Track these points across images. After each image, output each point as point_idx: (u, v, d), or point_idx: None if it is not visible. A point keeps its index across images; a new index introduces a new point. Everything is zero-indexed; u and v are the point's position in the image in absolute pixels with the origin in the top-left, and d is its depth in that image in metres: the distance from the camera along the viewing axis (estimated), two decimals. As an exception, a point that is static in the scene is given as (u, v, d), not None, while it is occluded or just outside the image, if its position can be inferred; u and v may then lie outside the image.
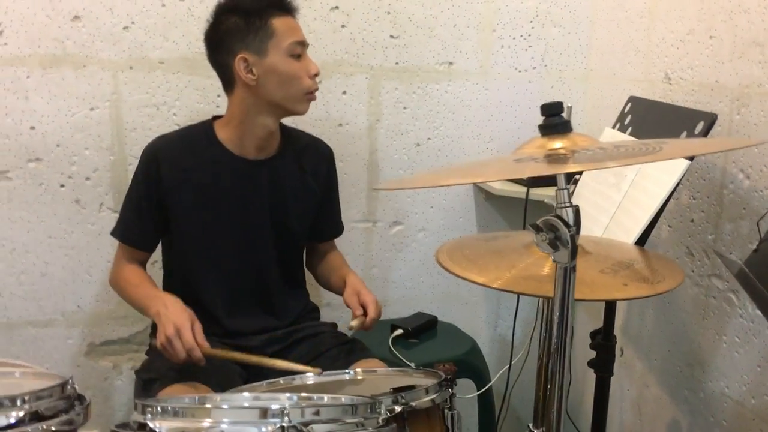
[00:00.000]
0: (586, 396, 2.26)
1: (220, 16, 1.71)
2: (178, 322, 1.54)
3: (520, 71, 2.31)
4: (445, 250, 1.33)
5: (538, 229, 0.98)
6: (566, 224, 0.96)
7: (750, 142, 1.16)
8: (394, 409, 1.23)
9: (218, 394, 1.17)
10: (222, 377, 1.63)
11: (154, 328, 1.87)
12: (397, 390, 1.29)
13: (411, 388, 1.30)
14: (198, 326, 1.57)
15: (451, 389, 1.38)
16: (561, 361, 1.08)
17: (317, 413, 0.97)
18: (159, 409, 0.97)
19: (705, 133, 1.46)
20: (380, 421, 1.05)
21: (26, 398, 0.92)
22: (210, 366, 1.60)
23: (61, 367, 2.12)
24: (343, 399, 1.09)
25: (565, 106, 1.13)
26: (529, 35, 2.29)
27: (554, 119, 1.01)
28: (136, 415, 1.00)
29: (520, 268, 1.21)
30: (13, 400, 0.91)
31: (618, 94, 2.16)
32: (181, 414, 0.95)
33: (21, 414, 0.90)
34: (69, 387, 1.03)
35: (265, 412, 0.93)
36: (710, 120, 1.46)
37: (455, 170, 1.03)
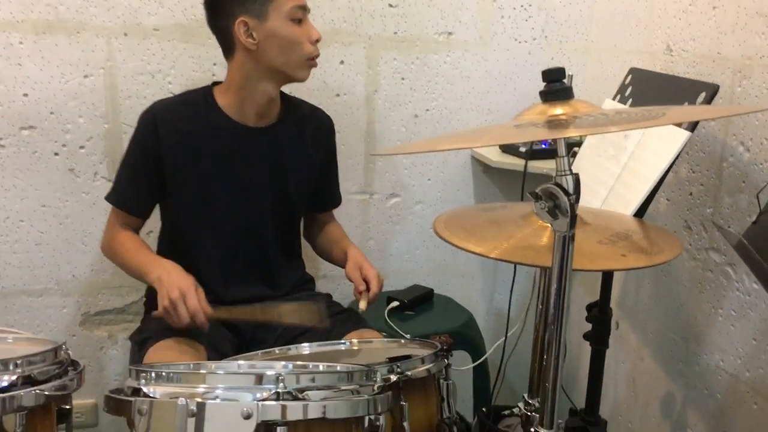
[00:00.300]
0: (581, 369, 2.27)
1: None
2: (183, 287, 1.53)
3: (520, 42, 2.28)
4: (442, 220, 1.32)
5: (537, 197, 0.97)
6: (566, 192, 0.95)
7: (755, 107, 1.14)
8: (389, 378, 1.23)
9: (213, 361, 1.17)
10: (215, 339, 1.64)
11: (149, 297, 1.87)
12: (393, 359, 1.29)
13: (407, 357, 1.29)
14: (201, 291, 1.57)
15: (447, 360, 1.39)
16: (558, 331, 1.07)
17: (312, 380, 0.96)
18: (153, 374, 0.96)
19: (707, 104, 1.44)
20: (375, 388, 1.05)
21: (18, 362, 0.91)
22: (201, 330, 1.59)
23: (55, 336, 2.10)
24: (338, 366, 1.08)
25: (566, 73, 1.11)
26: (530, 5, 2.26)
27: (555, 85, 1.00)
28: (130, 381, 0.99)
29: (518, 238, 1.20)
30: (5, 363, 0.90)
31: (619, 65, 2.13)
32: (175, 379, 0.95)
33: (14, 378, 0.89)
34: (62, 352, 1.02)
35: (260, 378, 0.93)
36: (712, 90, 1.45)
37: (453, 136, 1.01)
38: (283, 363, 1.07)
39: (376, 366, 1.24)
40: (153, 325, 1.68)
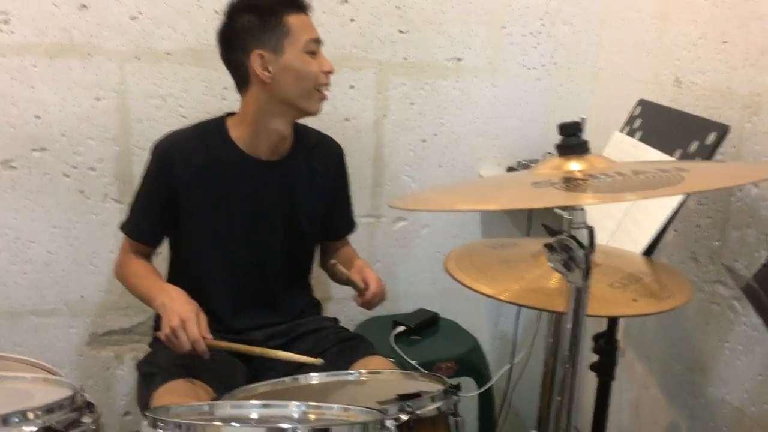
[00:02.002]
0: (585, 395, 2.28)
1: (233, 14, 1.69)
2: (184, 314, 1.54)
3: (528, 68, 2.30)
4: (453, 257, 1.33)
5: (551, 249, 0.98)
6: (581, 245, 0.96)
7: None
8: (399, 418, 1.23)
9: (227, 402, 1.17)
10: (225, 375, 1.64)
11: (157, 320, 1.88)
12: (403, 397, 1.29)
13: (417, 395, 1.30)
14: (203, 318, 1.57)
15: (456, 395, 1.39)
16: (572, 376, 1.08)
17: (327, 432, 0.96)
18: (171, 425, 0.97)
19: (716, 144, 1.45)
20: (388, 438, 1.05)
21: (38, 413, 0.92)
22: (213, 363, 1.60)
23: (63, 356, 2.13)
24: (352, 412, 1.09)
25: (579, 118, 1.13)
26: (539, 32, 2.27)
27: (572, 139, 1.01)
28: (145, 428, 1.00)
29: (529, 280, 1.21)
30: (24, 414, 0.91)
31: (627, 94, 2.14)
32: (191, 431, 0.95)
33: (34, 429, 0.90)
34: (79, 396, 1.03)
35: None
36: (722, 131, 1.45)
37: (470, 193, 1.02)
38: (296, 406, 1.08)
39: (387, 405, 1.25)
40: (161, 358, 1.69)
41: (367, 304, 1.74)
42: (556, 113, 2.34)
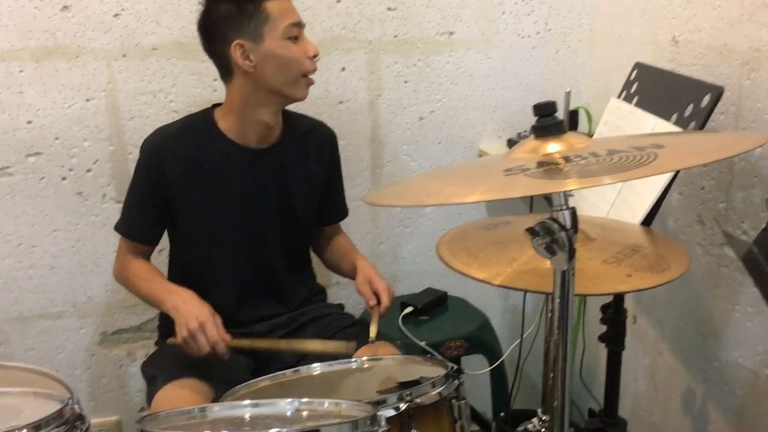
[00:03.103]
0: (600, 363, 2.26)
1: (211, 3, 1.66)
2: (201, 317, 1.54)
3: (523, 37, 2.24)
4: (445, 242, 1.31)
5: (534, 233, 0.95)
6: (563, 227, 0.93)
7: (755, 140, 1.09)
8: (399, 407, 1.22)
9: (217, 404, 1.17)
10: (227, 372, 1.63)
11: (161, 320, 1.88)
12: (403, 385, 1.28)
13: (417, 383, 1.29)
14: (218, 319, 1.57)
15: (458, 380, 1.38)
16: (563, 358, 1.06)
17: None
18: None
19: (711, 107, 1.41)
20: (380, 432, 1.04)
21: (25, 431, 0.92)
22: (214, 361, 1.59)
23: (75, 357, 2.15)
24: (343, 406, 1.08)
25: (563, 93, 1.09)
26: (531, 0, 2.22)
27: (547, 120, 0.97)
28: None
29: (522, 262, 1.19)
30: (10, 434, 0.91)
31: (625, 57, 2.09)
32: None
33: (18, 449, 0.90)
34: (68, 408, 1.02)
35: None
36: (717, 93, 1.41)
37: (440, 189, 0.99)
38: (288, 407, 1.07)
39: (386, 394, 1.24)
40: (162, 359, 1.69)
41: (380, 317, 1.72)
42: (554, 81, 2.29)
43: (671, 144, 0.94)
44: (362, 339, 1.71)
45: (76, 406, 1.04)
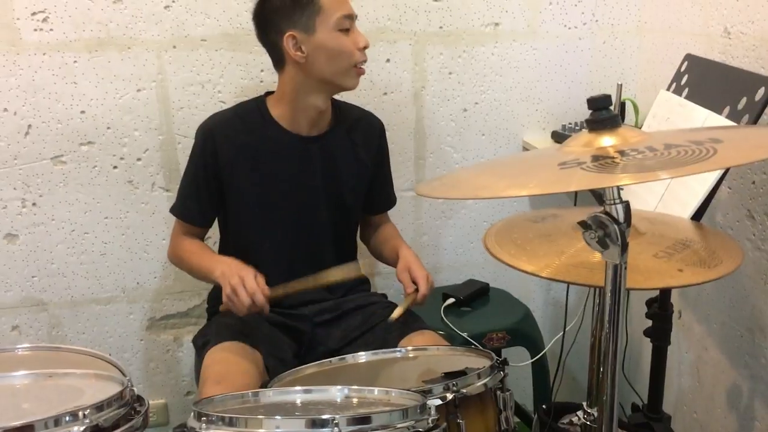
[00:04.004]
0: (643, 358, 2.24)
1: None
2: (242, 273, 1.59)
3: (569, 28, 2.23)
4: (492, 233, 1.31)
5: (586, 227, 0.96)
6: (616, 221, 0.93)
7: None
8: (445, 397, 1.23)
9: (270, 389, 1.20)
10: (273, 344, 1.71)
11: (210, 301, 1.93)
12: (449, 375, 1.29)
13: (462, 373, 1.30)
14: (261, 276, 1.61)
15: (503, 371, 1.38)
16: (614, 353, 1.06)
17: (368, 420, 0.97)
18: (213, 418, 1.00)
19: (766, 100, 1.38)
20: (430, 422, 1.05)
21: (86, 412, 0.95)
22: (260, 332, 1.68)
23: (124, 342, 2.20)
24: (393, 394, 1.09)
25: (616, 85, 1.08)
26: (579, -10, 2.20)
27: (602, 113, 0.97)
28: (192, 421, 1.03)
29: (570, 254, 1.19)
30: (75, 415, 0.94)
31: (674, 48, 2.06)
32: (234, 424, 0.98)
33: (82, 429, 0.93)
34: (128, 391, 1.06)
35: (315, 422, 0.95)
36: (772, 86, 1.38)
37: (494, 183, 1.00)
38: (338, 393, 1.09)
39: (432, 384, 1.25)
40: (214, 328, 1.75)
41: (418, 305, 1.74)
42: (601, 73, 2.27)
43: (729, 138, 0.93)
44: (404, 327, 1.74)
45: (135, 388, 1.08)
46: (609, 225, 0.94)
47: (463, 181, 1.05)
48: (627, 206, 0.95)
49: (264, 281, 1.61)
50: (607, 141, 0.97)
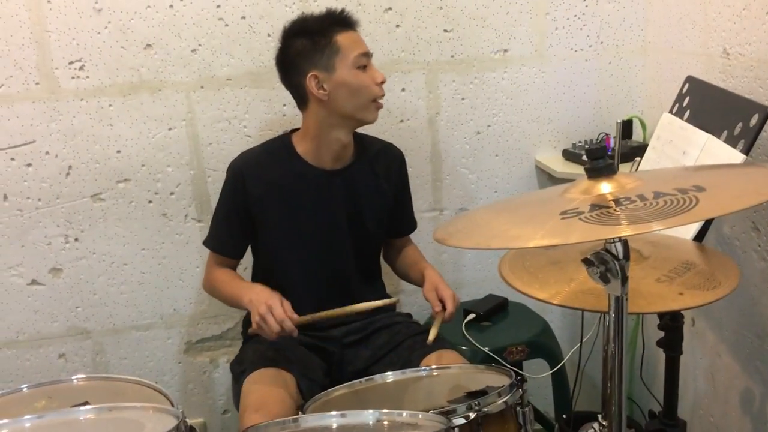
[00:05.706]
0: (661, 364, 2.32)
1: (287, 40, 1.83)
2: (269, 301, 1.70)
3: (576, 51, 2.32)
4: (507, 261, 1.41)
5: (589, 263, 1.06)
6: (616, 258, 1.03)
7: None
8: (468, 416, 1.34)
9: (308, 415, 1.31)
10: (304, 366, 1.83)
11: (245, 325, 2.05)
12: (471, 395, 1.39)
13: (484, 393, 1.40)
14: (287, 303, 1.72)
15: (522, 388, 1.48)
16: (619, 371, 1.15)
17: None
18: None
19: (759, 127, 1.47)
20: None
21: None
22: (293, 356, 1.80)
23: (163, 365, 2.33)
24: (420, 417, 1.20)
25: (615, 123, 1.17)
26: (583, 14, 2.29)
27: (599, 162, 1.07)
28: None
29: (579, 281, 1.28)
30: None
31: (677, 67, 2.15)
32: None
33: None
34: (182, 425, 1.17)
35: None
36: (764, 114, 1.47)
37: (505, 231, 1.10)
38: (371, 417, 1.19)
39: (455, 404, 1.35)
40: (249, 355, 1.87)
41: (445, 322, 1.85)
42: (608, 91, 2.36)
43: (713, 185, 1.02)
44: (426, 347, 1.84)
45: (188, 421, 1.19)
46: (610, 261, 1.04)
47: (477, 228, 1.15)
48: (625, 243, 1.05)
49: (290, 307, 1.72)
50: (605, 187, 1.07)
